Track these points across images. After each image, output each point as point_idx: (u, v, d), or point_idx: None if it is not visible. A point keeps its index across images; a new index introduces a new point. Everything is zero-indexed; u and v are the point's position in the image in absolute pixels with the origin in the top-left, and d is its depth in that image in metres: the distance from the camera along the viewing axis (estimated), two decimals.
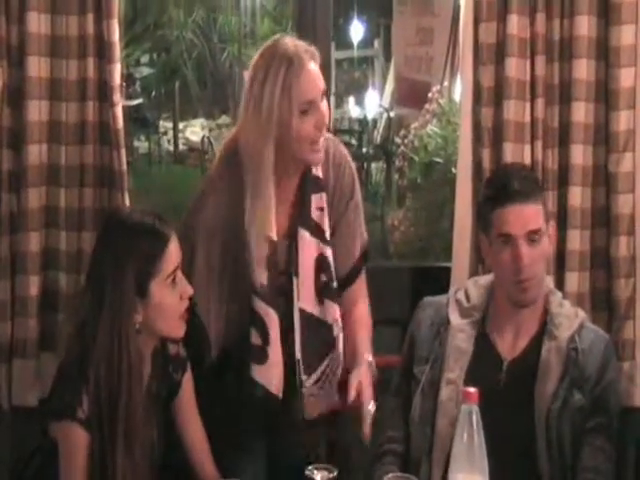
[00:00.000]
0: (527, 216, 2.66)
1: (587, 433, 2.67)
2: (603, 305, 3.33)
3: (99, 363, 2.46)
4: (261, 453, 2.90)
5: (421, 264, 4.95)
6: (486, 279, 2.86)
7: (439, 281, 3.32)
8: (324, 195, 2.82)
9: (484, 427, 2.22)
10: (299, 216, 2.80)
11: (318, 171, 2.81)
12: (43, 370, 3.20)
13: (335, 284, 2.85)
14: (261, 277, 2.74)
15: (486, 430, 2.22)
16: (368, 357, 2.77)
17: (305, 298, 2.81)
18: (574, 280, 3.27)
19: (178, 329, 2.59)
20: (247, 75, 2.73)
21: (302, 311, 2.81)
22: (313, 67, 2.69)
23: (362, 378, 2.69)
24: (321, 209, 2.82)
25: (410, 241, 5.66)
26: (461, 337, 2.75)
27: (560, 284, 3.22)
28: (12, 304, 3.23)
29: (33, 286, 3.21)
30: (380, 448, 2.78)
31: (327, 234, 2.83)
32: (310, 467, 2.41)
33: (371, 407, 2.66)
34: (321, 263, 2.82)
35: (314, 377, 2.85)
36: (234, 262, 2.75)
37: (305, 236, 2.79)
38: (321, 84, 2.70)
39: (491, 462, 2.22)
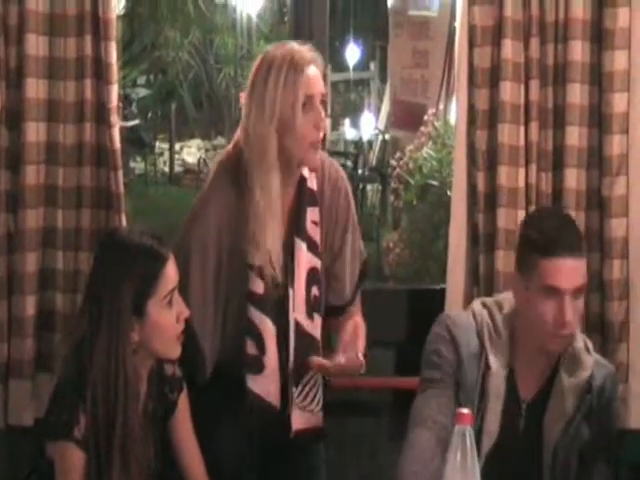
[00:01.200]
0: (577, 271, 2.50)
1: (587, 457, 2.66)
2: (596, 328, 3.33)
3: (96, 382, 2.46)
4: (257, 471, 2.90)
5: (416, 286, 4.95)
6: (507, 306, 2.66)
7: (434, 303, 3.33)
8: (317, 210, 2.83)
9: (497, 465, 2.19)
10: (295, 227, 2.80)
11: (313, 184, 2.82)
12: (39, 390, 3.19)
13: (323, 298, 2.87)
14: (258, 287, 2.75)
15: (497, 466, 2.20)
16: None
17: (298, 310, 2.81)
18: None
19: (174, 350, 2.60)
20: (249, 80, 2.73)
21: (296, 322, 2.80)
22: (314, 69, 2.71)
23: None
24: (315, 223, 2.83)
25: (405, 263, 5.67)
26: (498, 382, 2.59)
27: None
28: (9, 324, 3.22)
29: (30, 306, 3.21)
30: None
31: (320, 248, 2.84)
32: None
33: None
34: (312, 276, 2.83)
35: (297, 390, 2.83)
36: (229, 274, 2.76)
37: (302, 247, 2.80)
38: (321, 86, 2.72)
39: None
